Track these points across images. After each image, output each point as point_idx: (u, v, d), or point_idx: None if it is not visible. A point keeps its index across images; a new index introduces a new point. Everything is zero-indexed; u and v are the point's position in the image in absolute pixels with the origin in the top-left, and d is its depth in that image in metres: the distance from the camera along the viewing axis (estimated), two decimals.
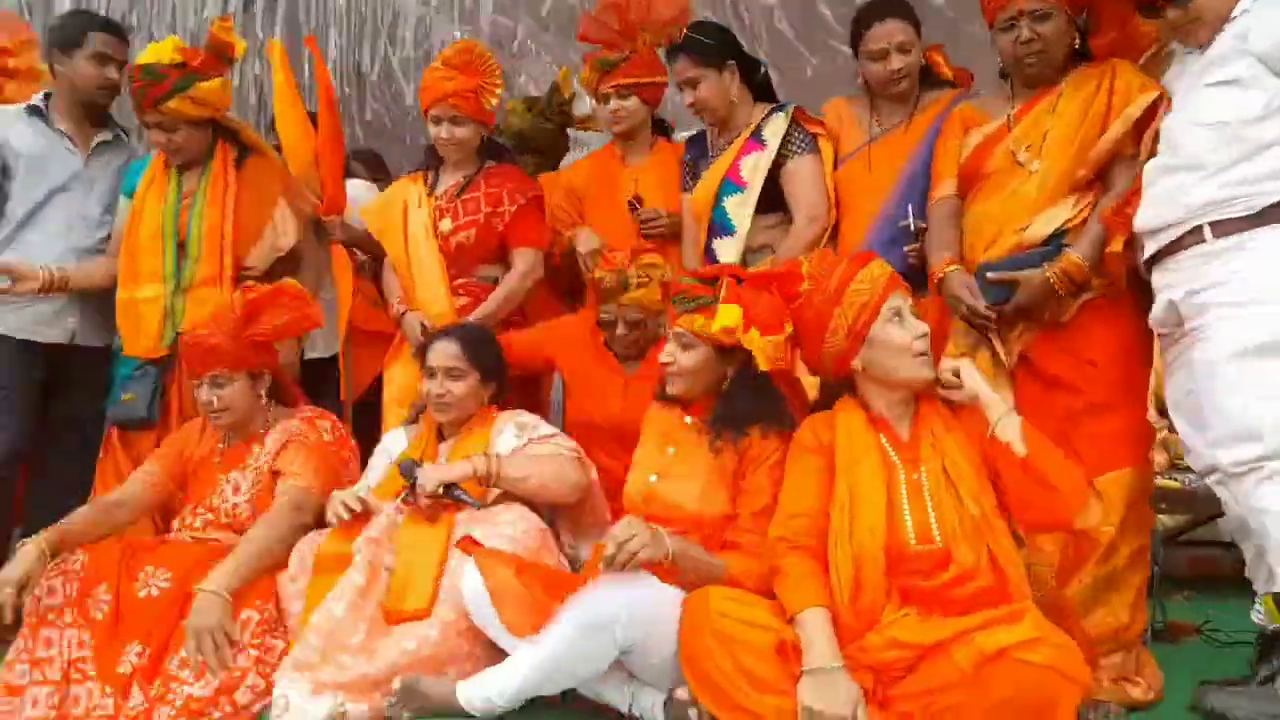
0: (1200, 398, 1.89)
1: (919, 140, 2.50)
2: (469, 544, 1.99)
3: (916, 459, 1.78)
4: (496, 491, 2.19)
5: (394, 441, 2.44)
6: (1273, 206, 1.86)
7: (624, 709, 1.79)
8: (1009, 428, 1.72)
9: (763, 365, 1.91)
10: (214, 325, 2.37)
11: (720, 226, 2.72)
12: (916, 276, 2.33)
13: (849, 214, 2.57)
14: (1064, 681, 1.48)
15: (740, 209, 2.68)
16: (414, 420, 2.47)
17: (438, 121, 2.77)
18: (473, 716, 1.81)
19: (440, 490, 2.09)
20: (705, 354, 2.00)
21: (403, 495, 2.14)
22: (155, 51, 2.66)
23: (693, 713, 1.66)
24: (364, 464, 2.48)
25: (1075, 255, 2.09)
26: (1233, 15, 1.95)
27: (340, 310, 2.91)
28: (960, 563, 1.65)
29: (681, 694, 1.70)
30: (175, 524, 2.37)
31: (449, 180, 2.87)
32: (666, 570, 1.79)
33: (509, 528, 2.06)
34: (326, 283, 2.98)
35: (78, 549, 2.15)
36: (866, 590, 1.66)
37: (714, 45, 2.71)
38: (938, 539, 1.69)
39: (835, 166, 2.65)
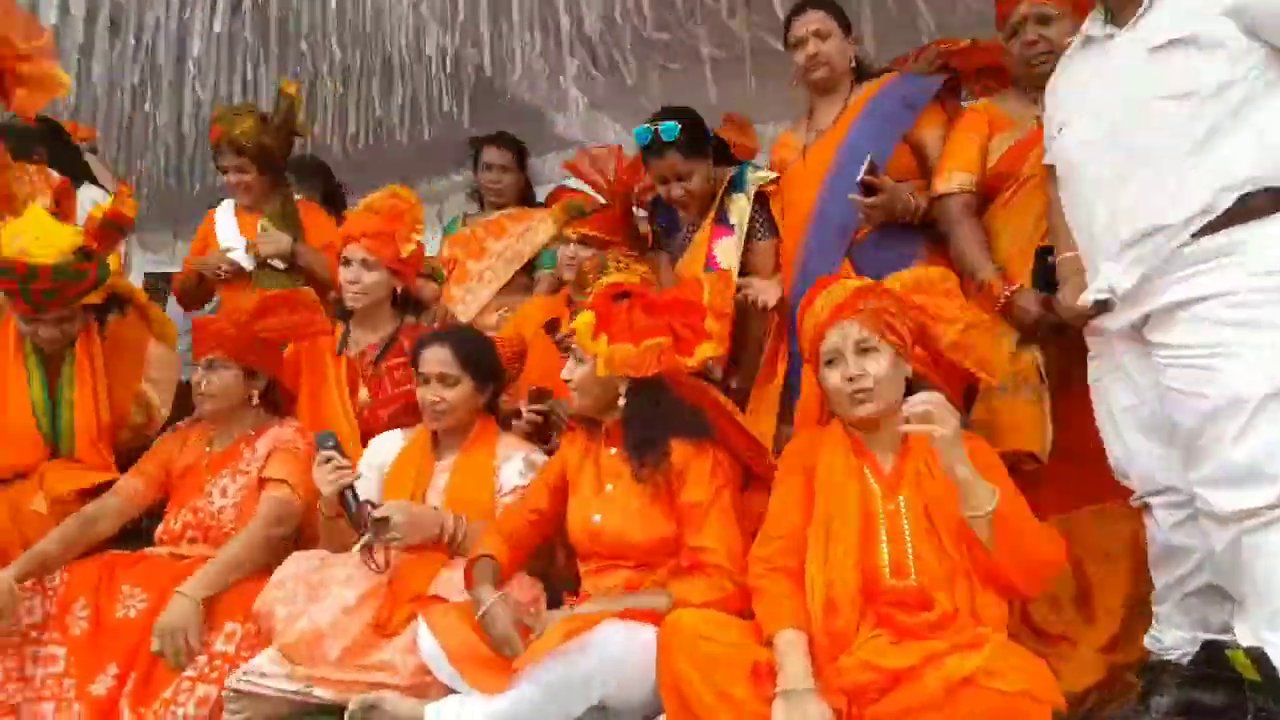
0: (1198, 431, 1.66)
1: (846, 129, 2.46)
2: (423, 601, 1.97)
3: (896, 489, 1.76)
4: None
5: (384, 447, 2.39)
6: (1257, 195, 1.63)
7: None
8: (982, 501, 1.63)
9: (599, 370, 1.96)
10: (225, 314, 2.43)
11: None
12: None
13: (789, 211, 2.55)
14: (1034, 705, 1.48)
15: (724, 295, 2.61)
16: None
17: (347, 264, 2.62)
18: None
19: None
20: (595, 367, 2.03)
21: (361, 542, 2.03)
22: (53, 247, 2.38)
23: None
24: None
25: None
26: None
27: None
28: (942, 607, 1.64)
29: None
30: (160, 527, 2.38)
31: (363, 339, 2.66)
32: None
33: None
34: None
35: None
36: (839, 613, 1.66)
37: (704, 137, 2.61)
38: (913, 577, 1.68)
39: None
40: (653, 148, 2.55)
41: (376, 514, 2.02)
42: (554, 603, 2.07)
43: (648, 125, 2.54)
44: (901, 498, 1.74)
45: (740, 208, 2.63)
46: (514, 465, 2.27)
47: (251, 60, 3.84)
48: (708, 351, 1.97)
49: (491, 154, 3.53)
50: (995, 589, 1.67)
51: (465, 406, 2.30)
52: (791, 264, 2.50)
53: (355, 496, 2.08)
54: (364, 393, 2.61)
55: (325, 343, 2.63)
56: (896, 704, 1.56)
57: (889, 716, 1.56)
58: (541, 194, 4.15)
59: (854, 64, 2.55)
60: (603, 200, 2.95)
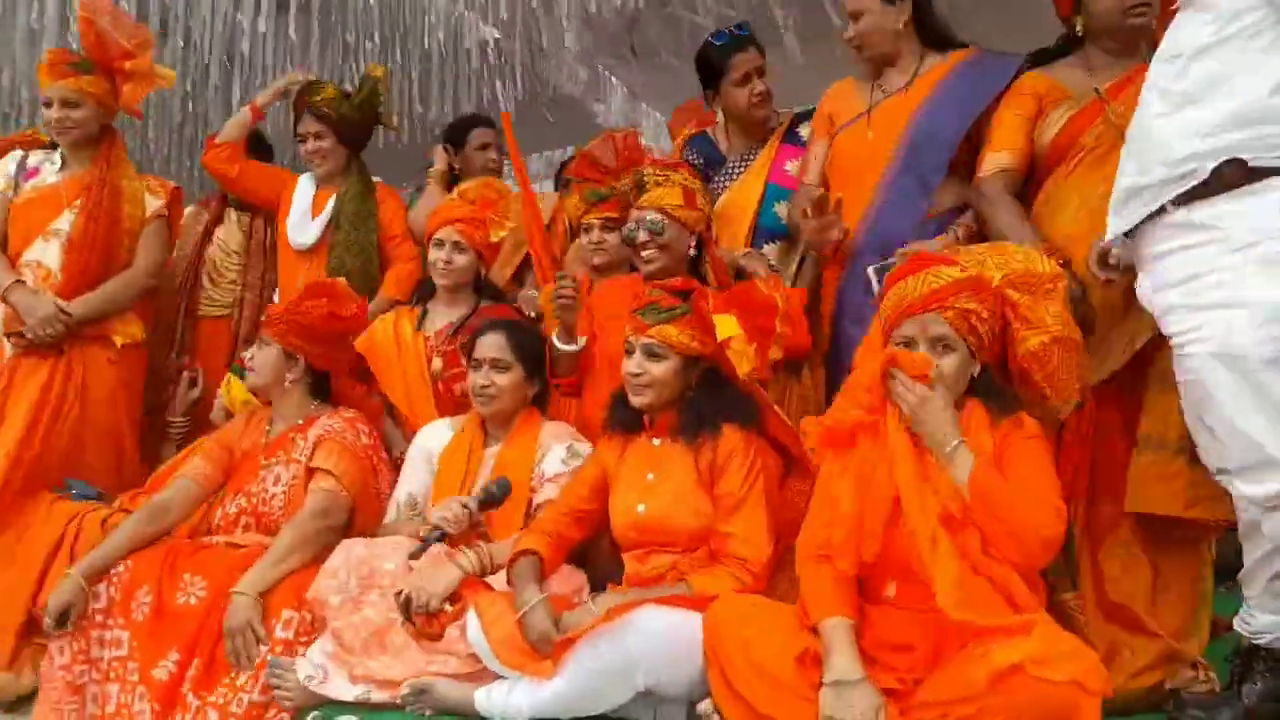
0: (1205, 414, 1.68)
1: (919, 102, 2.36)
2: (473, 586, 2.02)
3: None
4: None
5: (432, 437, 2.45)
6: (1227, 167, 1.62)
7: None
8: (960, 470, 1.65)
9: (743, 372, 1.94)
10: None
11: (771, 231, 2.73)
12: None
13: (850, 182, 2.40)
14: (1084, 695, 1.46)
15: None
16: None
17: (440, 245, 2.73)
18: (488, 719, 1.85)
19: (445, 606, 2.01)
20: (675, 364, 2.03)
21: (402, 619, 2.00)
22: (237, 388, 2.80)
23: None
24: None
25: None
26: None
27: None
28: None
29: (704, 706, 1.70)
30: (217, 513, 2.46)
31: (441, 319, 2.76)
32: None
33: None
34: None
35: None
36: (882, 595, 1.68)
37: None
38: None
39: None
40: (734, 44, 2.77)
41: (399, 598, 1.99)
42: (598, 591, 2.09)
43: (724, 30, 2.84)
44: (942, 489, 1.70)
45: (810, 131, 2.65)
46: (557, 454, 2.31)
47: (295, 58, 3.92)
48: (775, 355, 2.00)
49: (487, 134, 3.45)
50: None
51: (514, 393, 2.36)
52: (853, 228, 2.37)
53: (438, 539, 2.12)
54: (437, 363, 2.70)
55: (406, 320, 2.78)
56: (942, 694, 1.54)
57: (936, 705, 1.55)
58: None
59: (909, 25, 2.41)
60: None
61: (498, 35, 4.16)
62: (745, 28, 2.82)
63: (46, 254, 2.84)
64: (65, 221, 2.85)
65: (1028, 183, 2.28)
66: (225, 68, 3.94)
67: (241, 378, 2.77)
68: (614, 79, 5.07)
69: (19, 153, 3.00)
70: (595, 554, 2.22)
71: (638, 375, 2.03)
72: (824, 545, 1.75)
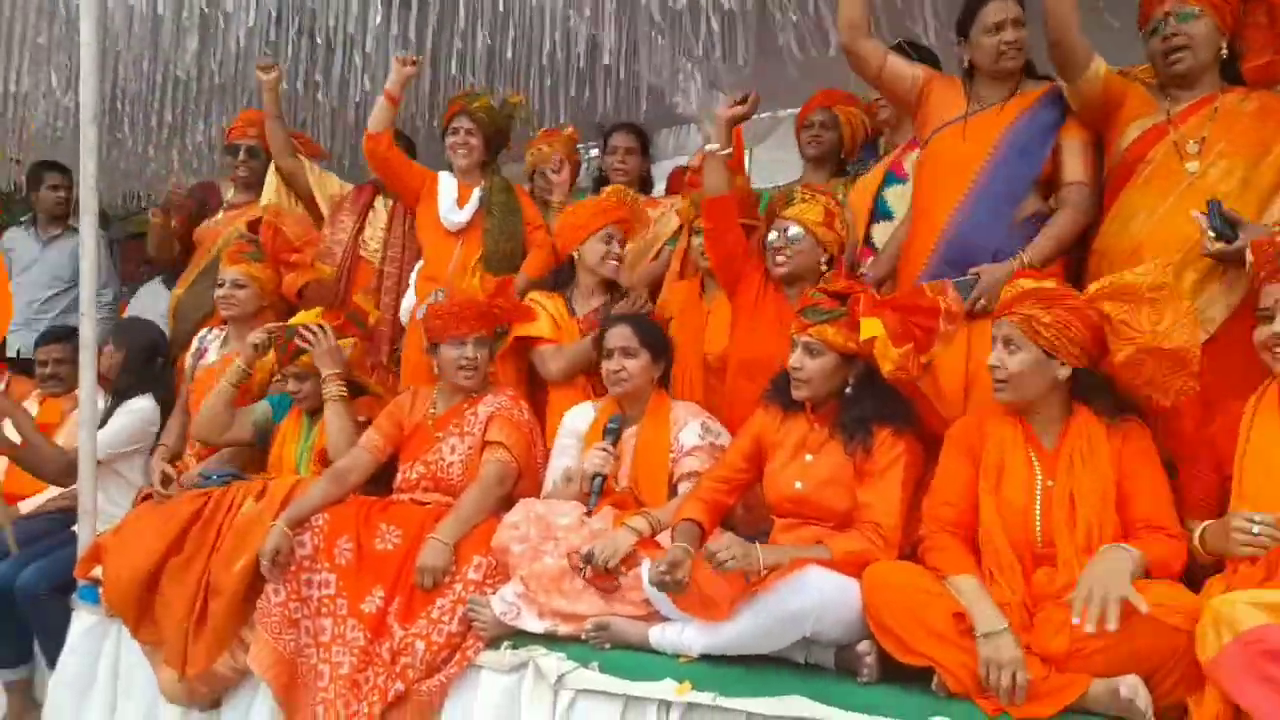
0: None
1: (1011, 121, 2.53)
2: (647, 545, 2.32)
3: (1054, 469, 1.98)
4: None
5: (580, 418, 2.76)
6: None
7: (800, 660, 2.10)
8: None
9: (885, 371, 2.13)
10: (467, 298, 2.89)
11: (880, 213, 3.02)
12: None
13: (941, 183, 2.58)
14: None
15: (899, 200, 2.94)
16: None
17: (609, 240, 3.06)
18: (660, 653, 2.16)
19: (621, 566, 2.27)
20: (832, 361, 2.23)
21: (582, 570, 2.28)
22: (303, 315, 3.11)
23: (868, 659, 1.98)
24: None
25: None
26: None
27: None
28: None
29: (864, 646, 1.99)
30: (398, 477, 2.79)
31: (582, 305, 3.09)
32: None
33: None
34: None
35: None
36: (1010, 569, 1.95)
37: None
38: (1060, 549, 1.93)
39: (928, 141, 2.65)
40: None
41: (582, 554, 2.27)
42: None
43: None
44: (1060, 478, 1.97)
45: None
46: (693, 429, 2.60)
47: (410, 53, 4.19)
48: (938, 352, 2.20)
49: (620, 138, 3.87)
50: None
51: (643, 376, 2.65)
52: (938, 231, 2.55)
53: (600, 486, 2.49)
54: None
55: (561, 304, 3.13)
56: (1076, 632, 1.77)
57: (1069, 644, 1.80)
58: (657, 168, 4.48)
59: None
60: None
61: (592, 30, 4.38)
62: None
63: None
64: None
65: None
66: (353, 64, 4.21)
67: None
68: (694, 70, 5.30)
69: (203, 332, 3.55)
70: (732, 519, 2.52)
71: (798, 370, 2.25)
72: (942, 519, 2.04)
